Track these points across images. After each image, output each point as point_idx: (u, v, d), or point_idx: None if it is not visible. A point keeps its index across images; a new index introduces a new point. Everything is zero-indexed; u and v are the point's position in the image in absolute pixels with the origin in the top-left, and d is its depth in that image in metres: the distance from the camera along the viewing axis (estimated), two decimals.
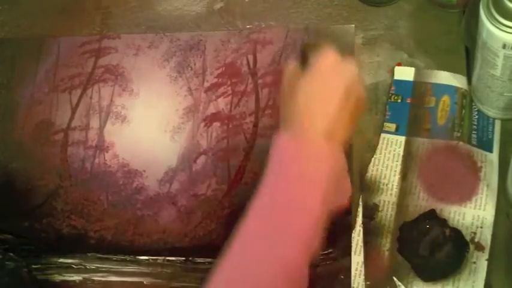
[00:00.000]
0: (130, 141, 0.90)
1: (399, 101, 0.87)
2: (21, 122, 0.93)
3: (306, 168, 0.65)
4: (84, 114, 0.92)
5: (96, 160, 0.89)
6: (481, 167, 0.82)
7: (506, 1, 0.71)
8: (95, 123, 0.91)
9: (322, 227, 0.64)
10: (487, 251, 0.78)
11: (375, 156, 0.84)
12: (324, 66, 0.68)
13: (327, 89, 0.67)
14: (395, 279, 0.78)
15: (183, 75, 0.92)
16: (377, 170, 0.83)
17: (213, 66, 0.92)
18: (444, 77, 0.87)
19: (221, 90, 0.91)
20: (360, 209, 0.81)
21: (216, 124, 0.89)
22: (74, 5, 0.99)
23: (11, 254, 0.85)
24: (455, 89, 0.86)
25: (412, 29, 0.91)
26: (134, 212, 0.86)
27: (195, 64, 0.93)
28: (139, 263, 0.83)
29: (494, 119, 0.84)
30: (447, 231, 0.78)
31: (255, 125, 0.88)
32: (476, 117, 0.85)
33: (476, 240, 0.78)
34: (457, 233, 0.78)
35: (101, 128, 0.91)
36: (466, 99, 0.86)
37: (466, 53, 0.88)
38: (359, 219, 0.81)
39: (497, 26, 0.72)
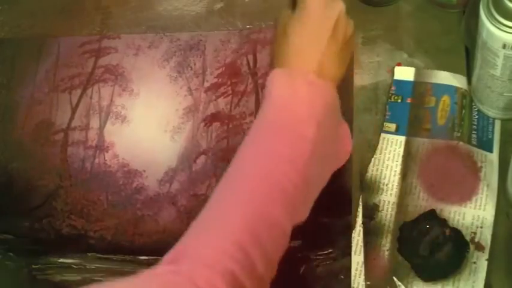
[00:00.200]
0: (130, 141, 0.90)
1: (399, 101, 0.87)
2: (21, 122, 0.93)
3: (301, 98, 0.68)
4: (84, 114, 0.92)
5: (96, 160, 0.89)
6: (481, 167, 0.82)
7: (507, 1, 0.71)
8: (95, 123, 0.91)
9: (317, 157, 0.66)
10: (487, 251, 0.78)
11: (375, 156, 0.84)
12: (313, 6, 0.72)
13: (315, 28, 0.71)
14: (395, 279, 0.78)
15: (183, 75, 0.92)
16: (377, 170, 0.83)
17: (213, 66, 0.92)
18: (444, 77, 0.87)
19: (221, 90, 0.91)
20: (360, 209, 0.81)
21: (216, 124, 0.89)
22: (74, 5, 0.99)
23: (11, 254, 0.85)
24: (455, 89, 0.86)
25: (412, 29, 0.91)
26: (134, 212, 0.86)
27: (195, 64, 0.93)
28: (139, 263, 0.83)
29: (494, 119, 0.85)
30: (447, 231, 0.78)
31: None
32: (476, 117, 0.85)
33: (476, 240, 0.78)
34: (457, 233, 0.78)
35: (101, 128, 0.91)
36: (466, 99, 0.86)
37: (466, 53, 0.88)
38: (359, 219, 0.81)
39: (497, 26, 0.72)
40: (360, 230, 0.80)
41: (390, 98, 0.87)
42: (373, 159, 0.84)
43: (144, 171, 0.88)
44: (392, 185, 0.82)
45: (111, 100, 0.92)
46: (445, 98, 0.86)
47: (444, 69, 0.88)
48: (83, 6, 0.99)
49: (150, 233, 0.85)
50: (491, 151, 0.83)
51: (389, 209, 0.81)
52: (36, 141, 0.91)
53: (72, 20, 0.98)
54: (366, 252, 0.79)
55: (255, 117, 0.88)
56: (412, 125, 0.85)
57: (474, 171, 0.82)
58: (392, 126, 0.86)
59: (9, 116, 0.93)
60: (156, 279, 0.59)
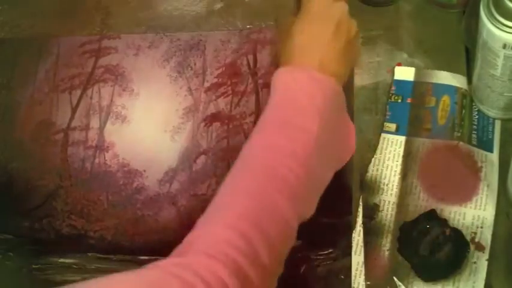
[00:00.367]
0: (130, 141, 0.90)
1: (399, 101, 0.87)
2: (22, 122, 0.93)
3: (300, 87, 0.70)
4: (84, 114, 0.92)
5: (96, 160, 0.89)
6: (481, 167, 0.82)
7: (507, 1, 0.71)
8: (95, 123, 0.91)
9: (319, 148, 0.67)
10: (487, 251, 0.78)
11: (375, 156, 0.84)
12: (316, 7, 0.74)
13: (318, 28, 0.73)
14: (395, 279, 0.78)
15: (183, 75, 0.92)
16: (377, 170, 0.83)
17: (213, 66, 0.92)
18: (444, 77, 0.87)
19: (221, 90, 0.91)
20: (360, 209, 0.81)
21: (216, 124, 0.89)
22: (74, 5, 0.99)
23: (11, 254, 0.85)
24: (456, 89, 0.86)
25: (412, 29, 0.91)
26: (134, 212, 0.86)
27: (195, 64, 0.93)
28: (140, 263, 0.83)
29: (494, 119, 0.85)
30: (447, 231, 0.78)
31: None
32: (477, 117, 0.85)
33: (476, 240, 0.78)
34: (457, 233, 0.78)
35: (101, 128, 0.91)
36: (466, 99, 0.86)
37: (466, 53, 0.88)
38: (359, 219, 0.81)
39: (497, 26, 0.72)
40: (360, 230, 0.81)
41: (390, 98, 0.87)
42: (373, 159, 0.84)
43: (144, 171, 0.88)
44: (393, 185, 0.82)
45: (111, 100, 0.92)
46: (445, 98, 0.86)
47: (444, 69, 0.88)
48: (83, 6, 0.99)
49: (150, 233, 0.85)
50: (491, 151, 0.83)
51: (390, 209, 0.81)
52: (36, 141, 0.91)
53: (72, 20, 0.98)
54: (366, 252, 0.79)
55: (255, 117, 0.88)
56: (412, 125, 0.85)
57: (474, 171, 0.82)
58: (393, 126, 0.86)
59: (9, 116, 0.93)
60: (158, 270, 0.60)
